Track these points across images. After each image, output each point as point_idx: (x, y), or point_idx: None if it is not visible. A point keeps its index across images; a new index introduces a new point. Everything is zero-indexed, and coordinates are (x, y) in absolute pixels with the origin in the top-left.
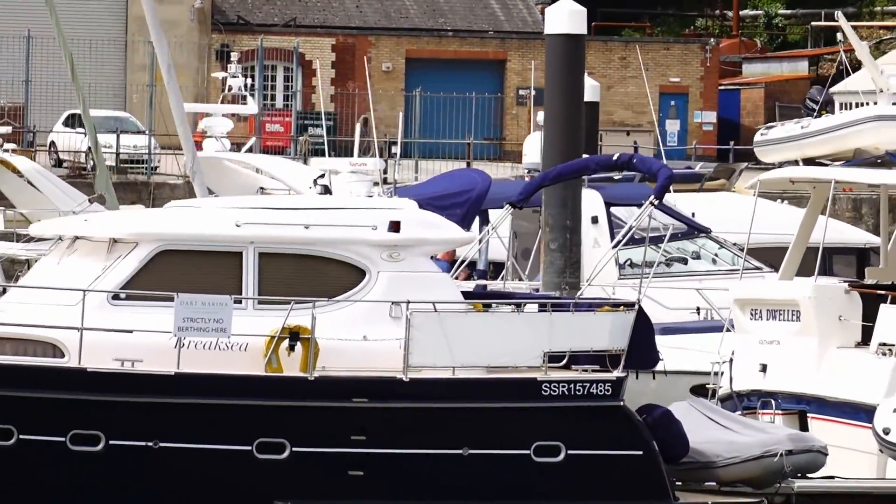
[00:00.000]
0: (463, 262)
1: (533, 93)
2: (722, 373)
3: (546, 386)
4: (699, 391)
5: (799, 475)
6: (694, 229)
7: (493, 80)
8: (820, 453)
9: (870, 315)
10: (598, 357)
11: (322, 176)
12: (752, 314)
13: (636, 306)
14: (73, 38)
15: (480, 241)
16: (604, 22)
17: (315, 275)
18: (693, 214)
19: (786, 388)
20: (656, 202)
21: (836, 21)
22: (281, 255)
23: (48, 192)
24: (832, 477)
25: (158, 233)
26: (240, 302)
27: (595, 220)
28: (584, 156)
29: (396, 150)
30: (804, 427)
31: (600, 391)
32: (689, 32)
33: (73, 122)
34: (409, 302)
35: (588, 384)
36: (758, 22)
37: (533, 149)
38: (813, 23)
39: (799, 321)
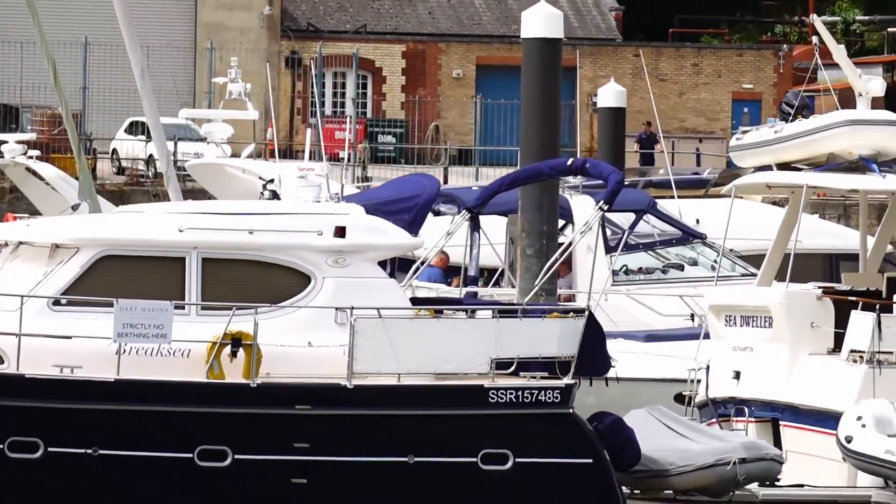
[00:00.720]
0: (459, 269)
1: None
2: (699, 380)
3: (493, 393)
4: (682, 399)
5: (756, 483)
6: (689, 235)
7: (564, 87)
8: (774, 461)
9: (843, 322)
10: (548, 364)
11: (272, 181)
12: (726, 320)
13: (586, 313)
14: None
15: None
16: (681, 28)
17: (259, 281)
18: (698, 221)
19: (758, 396)
20: (606, 207)
21: None
22: (225, 261)
23: (72, 198)
24: (801, 485)
25: (100, 238)
26: (182, 308)
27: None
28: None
29: (344, 154)
30: (777, 435)
31: (549, 398)
32: (766, 39)
33: (134, 129)
34: (352, 308)
35: (536, 391)
36: (835, 28)
37: None
38: (889, 28)
39: (771, 328)
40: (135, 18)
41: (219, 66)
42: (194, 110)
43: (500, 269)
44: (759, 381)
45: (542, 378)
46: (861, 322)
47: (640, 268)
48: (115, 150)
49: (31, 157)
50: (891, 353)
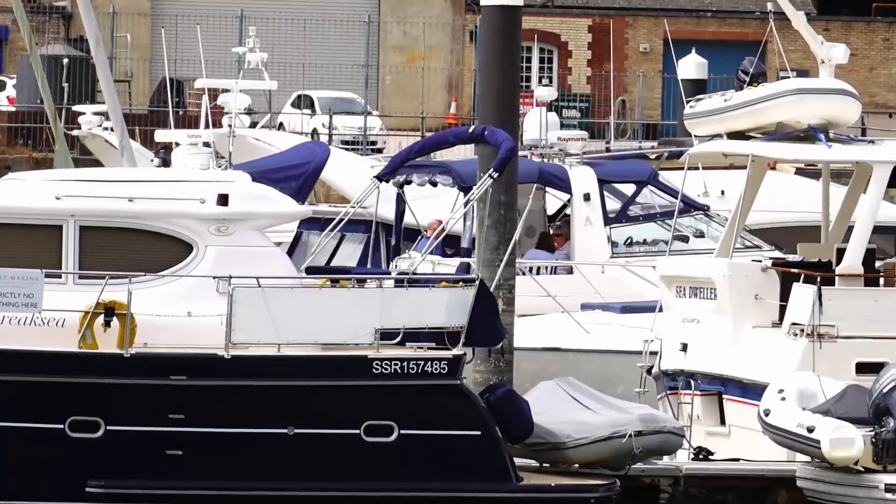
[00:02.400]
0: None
1: (793, 75)
2: (653, 352)
3: (377, 364)
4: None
5: (654, 457)
6: (690, 207)
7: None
8: (672, 434)
9: (789, 294)
10: (439, 335)
11: (164, 148)
12: (677, 292)
13: (476, 282)
14: (325, 18)
15: (464, 218)
16: (885, 3)
17: (140, 249)
18: (723, 192)
19: (704, 369)
20: (496, 175)
21: None
22: (103, 229)
23: None
24: (737, 459)
25: None
26: (59, 276)
27: (587, 197)
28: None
29: (233, 122)
30: (721, 410)
31: (436, 369)
32: None
33: (300, 103)
34: (231, 277)
35: (422, 362)
36: None
37: (533, 125)
38: None
39: (716, 300)
40: None
41: (403, 41)
42: (210, 80)
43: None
44: (704, 353)
45: (430, 349)
46: (802, 294)
47: (644, 240)
48: (281, 124)
49: (106, 129)
50: (833, 326)
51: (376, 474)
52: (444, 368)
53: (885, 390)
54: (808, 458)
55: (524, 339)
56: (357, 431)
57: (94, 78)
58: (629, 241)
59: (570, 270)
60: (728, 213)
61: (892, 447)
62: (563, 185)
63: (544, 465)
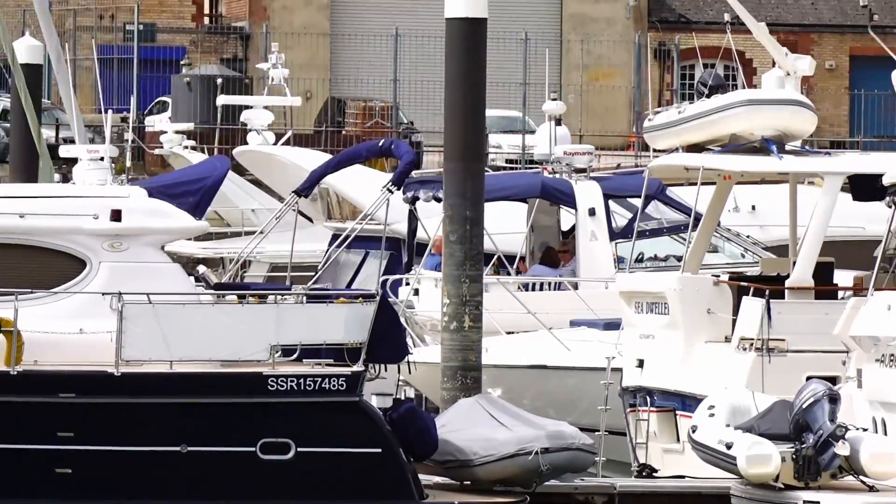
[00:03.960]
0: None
1: None
2: (615, 369)
3: (273, 380)
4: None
5: (564, 475)
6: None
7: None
8: (581, 451)
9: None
10: (341, 350)
11: (65, 163)
12: (635, 307)
13: (377, 298)
14: (512, 35)
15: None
16: None
17: (33, 265)
18: (753, 207)
19: (659, 385)
20: (394, 189)
21: None
22: None
23: (227, 189)
24: (682, 476)
25: None
26: None
27: (592, 212)
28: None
29: (128, 136)
30: (677, 426)
31: (334, 386)
32: None
33: None
34: (120, 294)
35: (320, 379)
36: None
37: (543, 140)
38: None
39: (668, 315)
40: (503, 11)
41: (586, 59)
42: (233, 96)
43: (495, 256)
44: (658, 369)
45: (329, 365)
46: (751, 308)
47: (655, 255)
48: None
49: (186, 147)
50: (782, 340)
51: (273, 493)
52: (342, 385)
53: (804, 406)
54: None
55: (505, 356)
56: (253, 449)
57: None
58: (641, 256)
59: (577, 286)
60: (757, 227)
61: (813, 464)
62: (568, 199)
63: (465, 483)
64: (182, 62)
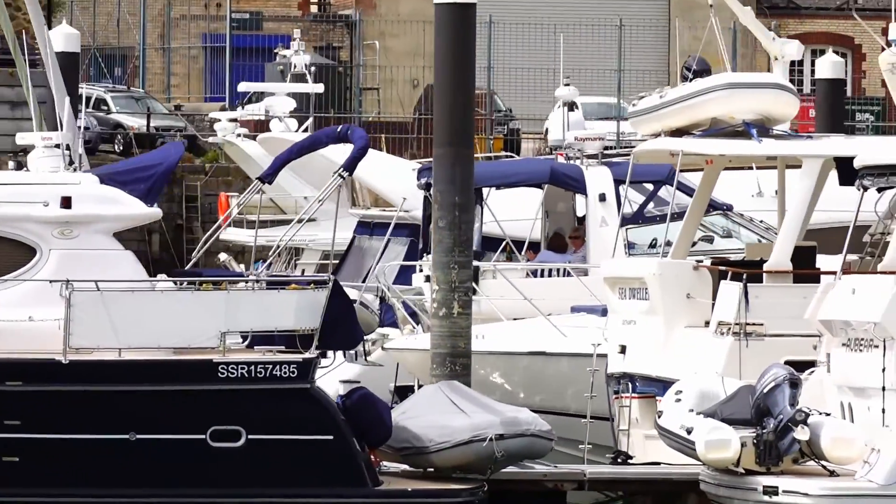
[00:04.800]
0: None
1: None
2: (600, 355)
3: (223, 367)
4: None
5: (521, 461)
6: (710, 207)
7: None
8: (537, 437)
9: None
10: (293, 338)
11: (23, 152)
12: (619, 293)
13: (329, 284)
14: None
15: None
16: None
17: None
18: (776, 193)
19: (640, 371)
20: (345, 174)
21: None
22: None
23: (282, 177)
24: (658, 463)
25: None
26: None
27: (602, 197)
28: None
29: (81, 122)
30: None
31: (285, 373)
32: None
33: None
34: (68, 281)
35: (271, 365)
36: None
37: (556, 126)
38: None
39: (649, 300)
40: None
41: (691, 44)
42: (252, 83)
43: (504, 242)
44: (640, 355)
45: (280, 352)
46: (728, 292)
47: (669, 241)
48: (547, 130)
49: (239, 136)
50: (760, 324)
51: (224, 480)
52: (293, 372)
53: (765, 390)
54: None
55: (499, 343)
56: (203, 437)
57: (343, 85)
58: (654, 242)
59: (587, 272)
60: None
61: (774, 448)
62: (577, 185)
63: (423, 469)
64: (276, 50)
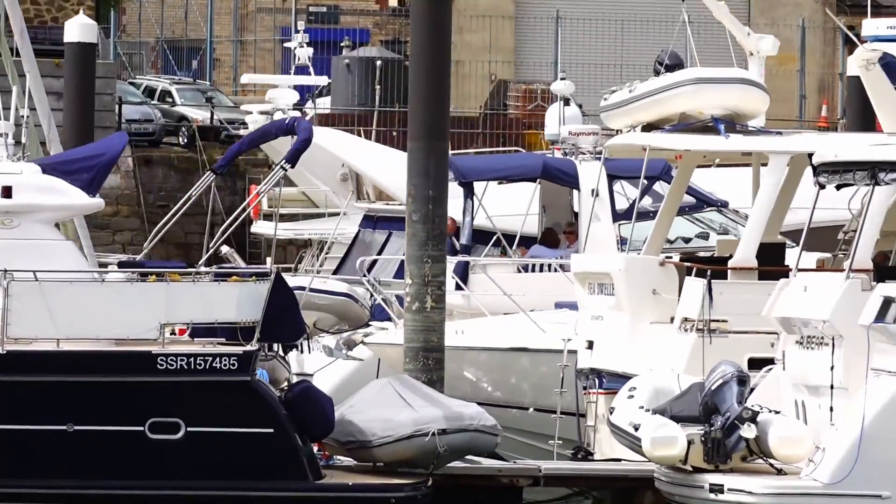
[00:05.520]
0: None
1: None
2: (570, 351)
3: (162, 359)
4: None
5: (464, 456)
6: (703, 203)
7: None
8: (480, 433)
9: None
10: (235, 330)
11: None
12: (588, 288)
13: (272, 277)
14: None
15: (464, 215)
16: None
17: None
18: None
19: (606, 367)
20: (287, 166)
21: None
22: None
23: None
24: (619, 459)
25: None
26: None
27: (595, 192)
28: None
29: (25, 112)
30: None
31: (225, 365)
32: None
33: None
34: (6, 271)
35: (210, 358)
36: None
37: (553, 121)
38: None
39: (615, 295)
40: None
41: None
42: (257, 75)
43: (494, 236)
44: (606, 351)
45: (220, 344)
46: (692, 289)
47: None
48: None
49: None
50: (724, 321)
51: (162, 473)
52: (233, 364)
53: (713, 388)
54: None
55: (476, 338)
56: (141, 429)
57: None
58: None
59: None
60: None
61: (721, 446)
62: (570, 180)
63: (370, 463)
64: (342, 44)
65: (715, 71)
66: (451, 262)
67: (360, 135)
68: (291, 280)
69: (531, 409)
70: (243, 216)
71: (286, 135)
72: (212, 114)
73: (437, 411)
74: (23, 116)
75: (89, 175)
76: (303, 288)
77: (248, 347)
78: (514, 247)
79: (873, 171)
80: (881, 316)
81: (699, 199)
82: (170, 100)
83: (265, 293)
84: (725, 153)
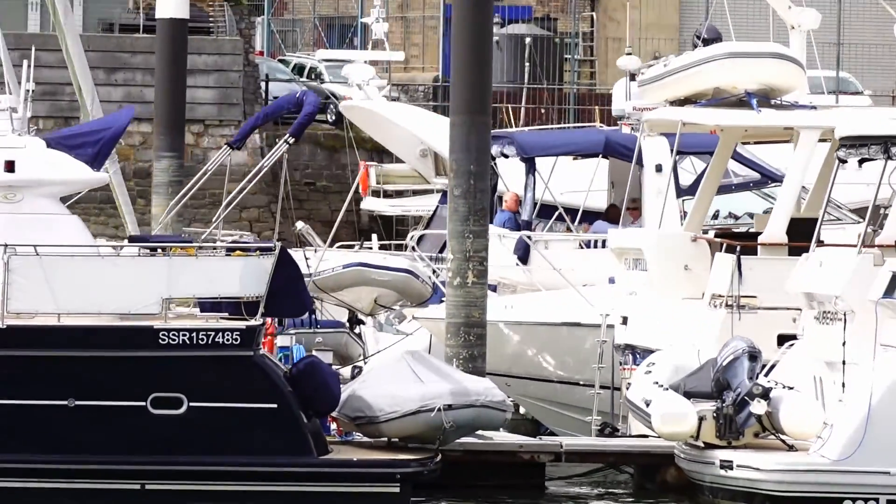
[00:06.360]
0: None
1: None
2: (609, 325)
3: (164, 334)
4: None
5: (472, 432)
6: (767, 178)
7: None
8: (487, 408)
9: None
10: (239, 305)
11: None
12: (626, 264)
13: (276, 252)
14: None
15: (525, 190)
16: None
17: None
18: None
19: (639, 342)
20: (291, 140)
21: None
22: None
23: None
24: (645, 436)
25: None
26: None
27: (659, 168)
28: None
29: (30, 86)
30: None
31: (227, 340)
32: None
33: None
34: (6, 245)
35: (213, 333)
36: None
37: (620, 96)
38: None
39: (647, 271)
40: None
41: None
42: (332, 51)
43: (556, 212)
44: (639, 326)
45: (223, 319)
46: (722, 264)
47: (730, 213)
48: None
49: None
50: (753, 297)
51: (165, 448)
52: (236, 339)
53: (724, 364)
54: None
55: (525, 313)
56: (143, 404)
57: (559, 57)
58: (717, 213)
59: None
60: (863, 185)
61: (733, 422)
62: (632, 155)
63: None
64: (496, 20)
65: (749, 45)
66: (514, 237)
67: (509, 112)
68: (354, 256)
69: (577, 384)
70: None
71: (297, 108)
72: None
73: (445, 387)
74: (28, 91)
75: (94, 149)
76: (364, 264)
77: (252, 322)
78: (576, 222)
79: (886, 145)
80: (890, 291)
81: (764, 174)
82: (319, 78)
83: (269, 268)
84: (758, 128)
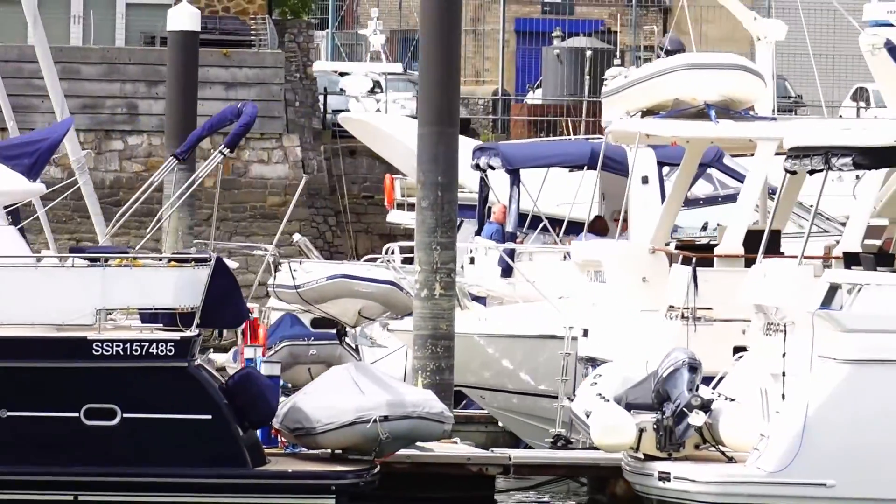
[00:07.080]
0: None
1: None
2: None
3: (97, 345)
4: None
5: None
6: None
7: None
8: (424, 420)
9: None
10: (174, 315)
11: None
12: (588, 276)
13: (211, 262)
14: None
15: (510, 202)
16: None
17: None
18: (858, 177)
19: (598, 354)
20: (227, 151)
21: None
22: None
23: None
24: (596, 448)
25: None
26: None
27: (645, 180)
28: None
29: None
30: None
31: (162, 351)
32: None
33: (858, 95)
34: None
35: (147, 344)
36: None
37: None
38: None
39: (606, 283)
40: None
41: None
42: (329, 62)
43: (541, 223)
44: (598, 338)
45: (158, 330)
46: (679, 276)
47: (719, 224)
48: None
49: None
50: (709, 308)
51: (98, 459)
52: (171, 350)
53: (664, 375)
54: None
55: (499, 325)
56: (76, 415)
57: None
58: (705, 225)
59: None
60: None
61: (672, 434)
62: (619, 167)
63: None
64: (553, 34)
65: (709, 56)
66: (499, 249)
67: (568, 125)
68: (337, 268)
69: (551, 396)
70: None
71: (237, 118)
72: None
73: (383, 398)
74: None
75: (30, 160)
76: (348, 276)
77: (186, 333)
78: (560, 234)
79: (826, 155)
80: (827, 302)
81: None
82: (378, 90)
83: (205, 279)
84: (720, 140)
